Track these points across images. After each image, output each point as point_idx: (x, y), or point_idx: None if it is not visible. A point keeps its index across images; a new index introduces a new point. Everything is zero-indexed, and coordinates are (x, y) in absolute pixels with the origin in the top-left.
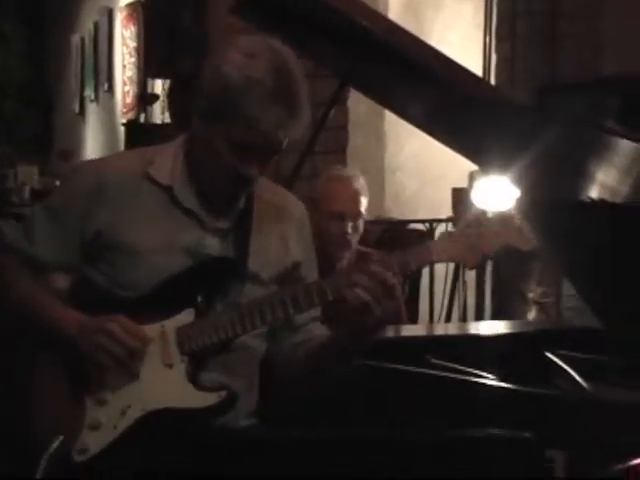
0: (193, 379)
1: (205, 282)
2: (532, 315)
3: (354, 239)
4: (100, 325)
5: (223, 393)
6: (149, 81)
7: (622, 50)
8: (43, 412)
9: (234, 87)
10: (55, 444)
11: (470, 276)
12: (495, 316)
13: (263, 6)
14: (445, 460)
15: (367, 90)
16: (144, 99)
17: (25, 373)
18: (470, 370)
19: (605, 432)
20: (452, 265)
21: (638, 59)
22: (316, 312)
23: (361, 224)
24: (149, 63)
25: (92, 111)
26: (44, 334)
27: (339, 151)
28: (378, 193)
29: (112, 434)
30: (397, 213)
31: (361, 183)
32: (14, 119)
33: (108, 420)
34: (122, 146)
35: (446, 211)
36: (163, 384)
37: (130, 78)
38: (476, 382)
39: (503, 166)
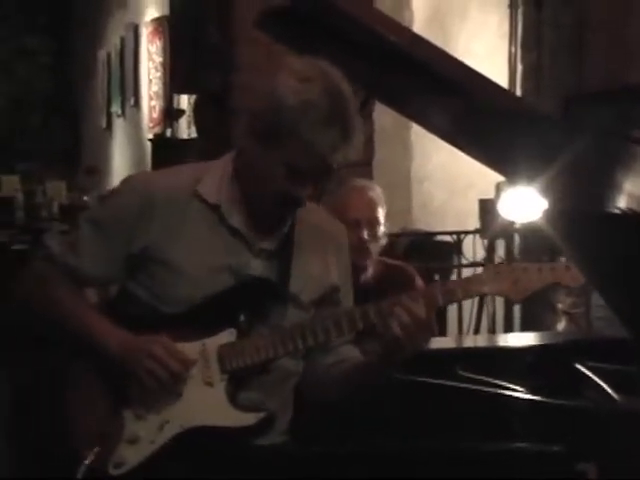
0: (232, 398)
1: (247, 302)
2: (562, 326)
3: (373, 247)
4: (144, 346)
5: (262, 414)
6: (175, 96)
7: None
8: (80, 423)
9: (291, 111)
10: (92, 456)
11: None
12: (524, 327)
13: (288, 20)
14: (476, 473)
15: (392, 102)
16: (170, 114)
17: (62, 383)
18: (500, 383)
19: (636, 444)
20: None
21: None
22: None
23: (380, 233)
24: (175, 78)
25: (119, 126)
26: (85, 347)
27: (365, 164)
28: (405, 204)
29: (149, 449)
30: (424, 224)
31: (377, 192)
32: (42, 134)
33: (146, 435)
34: (149, 161)
35: (473, 221)
36: (203, 402)
37: (156, 93)
38: (505, 395)
39: (530, 177)
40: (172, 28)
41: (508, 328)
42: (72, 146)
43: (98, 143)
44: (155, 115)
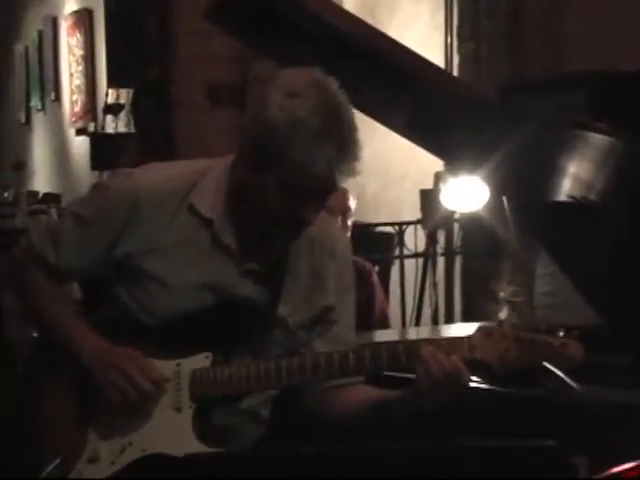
0: (198, 428)
1: (229, 324)
2: (503, 315)
3: None
4: (115, 358)
5: (223, 452)
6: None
7: (585, 49)
8: (50, 429)
9: (280, 131)
10: (51, 466)
11: (439, 276)
12: (465, 317)
13: (237, 11)
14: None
15: None
16: (110, 109)
17: (34, 387)
18: None
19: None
20: (421, 263)
21: (600, 57)
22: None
23: (349, 224)
24: (111, 71)
25: (39, 121)
26: (59, 346)
27: None
28: None
29: (108, 469)
30: (359, 214)
31: (349, 183)
32: None
33: (107, 455)
34: (72, 156)
35: (408, 211)
36: (167, 427)
37: (78, 87)
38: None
39: (474, 165)
40: (109, 20)
41: (449, 319)
42: None
43: (17, 138)
44: (77, 109)
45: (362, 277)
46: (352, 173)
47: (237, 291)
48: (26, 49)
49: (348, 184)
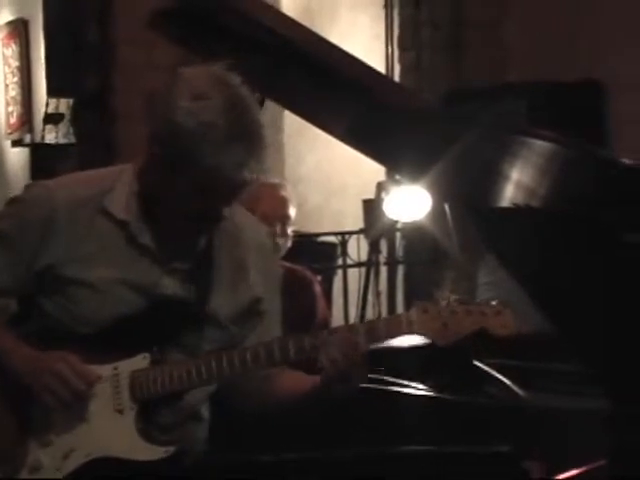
0: (142, 428)
1: (161, 324)
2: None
3: (283, 244)
4: (47, 364)
5: (171, 449)
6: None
7: (525, 59)
8: None
9: (188, 137)
10: None
11: (382, 286)
12: None
13: (181, 19)
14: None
15: (286, 102)
16: (50, 119)
17: None
18: (400, 381)
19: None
20: (364, 273)
21: (540, 67)
22: None
23: (289, 232)
24: (50, 81)
25: None
26: None
27: None
28: None
29: (52, 476)
30: (301, 225)
31: (288, 191)
32: None
33: (50, 463)
34: (8, 168)
35: (351, 221)
36: (111, 430)
37: (14, 98)
38: (408, 393)
39: (419, 172)
40: (47, 29)
41: None
42: None
43: None
44: (13, 121)
45: (304, 287)
46: (262, 171)
47: (164, 291)
48: None
49: (287, 192)
